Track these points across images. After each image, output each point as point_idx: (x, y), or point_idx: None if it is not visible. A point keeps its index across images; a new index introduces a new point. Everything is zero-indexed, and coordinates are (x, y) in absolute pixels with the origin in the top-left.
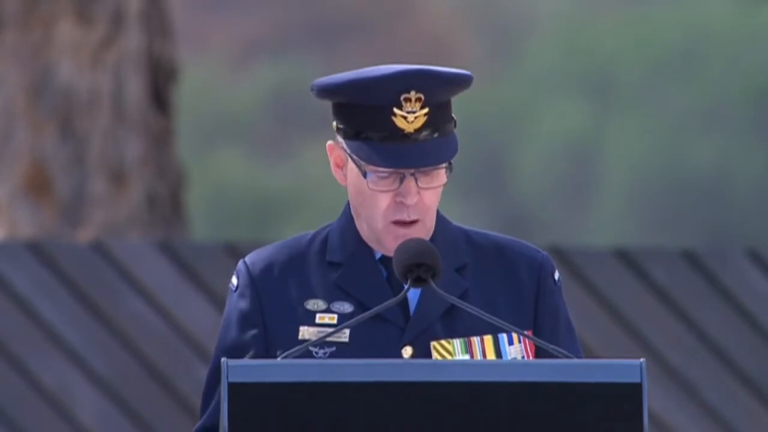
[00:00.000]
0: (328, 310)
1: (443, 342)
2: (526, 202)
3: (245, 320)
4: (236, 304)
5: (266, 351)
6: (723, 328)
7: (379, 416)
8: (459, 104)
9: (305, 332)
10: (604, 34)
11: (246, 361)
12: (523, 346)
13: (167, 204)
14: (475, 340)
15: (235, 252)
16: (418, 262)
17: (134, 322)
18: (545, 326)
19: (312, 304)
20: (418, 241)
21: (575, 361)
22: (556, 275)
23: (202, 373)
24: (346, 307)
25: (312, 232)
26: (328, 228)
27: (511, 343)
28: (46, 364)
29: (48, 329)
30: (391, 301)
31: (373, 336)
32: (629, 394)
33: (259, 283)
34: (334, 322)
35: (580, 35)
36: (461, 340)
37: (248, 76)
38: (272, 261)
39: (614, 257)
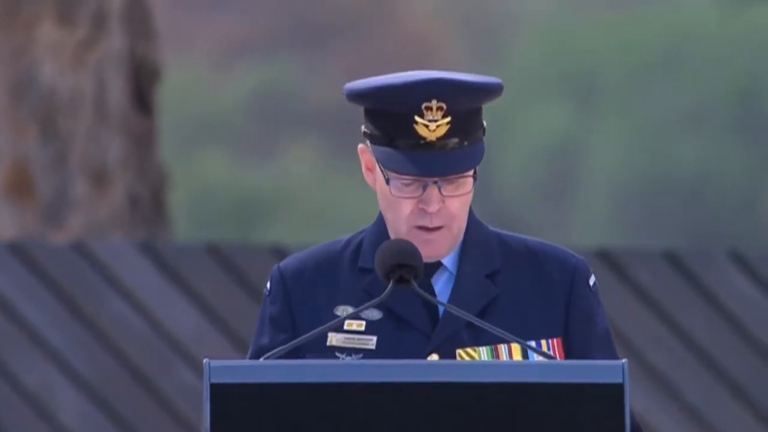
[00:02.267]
0: (356, 317)
1: (469, 350)
2: (509, 203)
3: (276, 325)
4: (268, 308)
5: (295, 355)
6: (706, 330)
7: (362, 417)
8: None
9: (333, 338)
10: (588, 35)
11: (229, 362)
12: (552, 354)
13: (149, 205)
14: (503, 347)
15: (218, 253)
16: (400, 263)
17: (116, 323)
18: (576, 333)
19: (341, 310)
20: (401, 242)
21: (557, 361)
22: (592, 280)
23: (185, 374)
24: (375, 314)
25: (347, 236)
26: (362, 234)
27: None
28: (27, 365)
29: (30, 330)
30: (376, 301)
31: (400, 342)
32: (611, 395)
33: (290, 287)
34: (362, 328)
35: (564, 36)
36: (488, 347)
37: (231, 76)
38: (305, 266)
39: (597, 258)
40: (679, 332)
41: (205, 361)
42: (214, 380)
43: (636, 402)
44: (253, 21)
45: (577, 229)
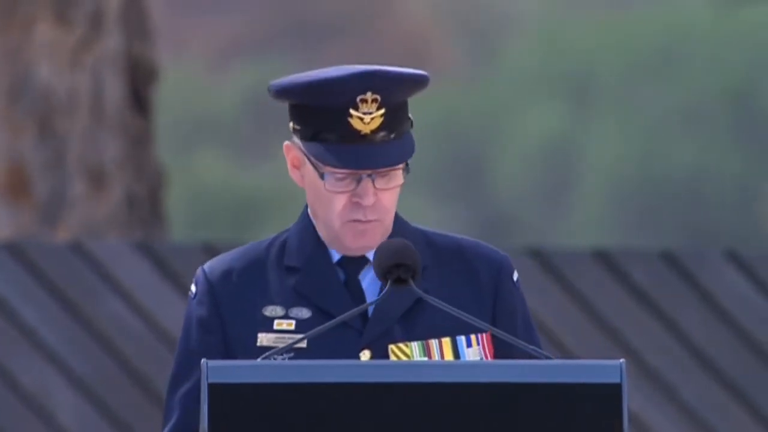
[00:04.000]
0: (285, 316)
1: (401, 345)
2: (505, 203)
3: (204, 327)
4: (195, 311)
5: (225, 357)
6: (702, 329)
7: (360, 417)
8: (438, 105)
9: (263, 339)
10: (583, 34)
11: (226, 362)
12: (481, 348)
13: (146, 205)
14: (433, 342)
15: (214, 252)
16: (398, 263)
17: (113, 323)
18: (501, 327)
19: (270, 311)
20: (399, 242)
21: (555, 362)
22: (515, 276)
23: None
24: (304, 313)
25: (271, 237)
26: (287, 233)
27: (469, 345)
28: (25, 365)
29: (27, 330)
30: (362, 307)
31: (332, 340)
32: (609, 395)
33: (217, 289)
34: (292, 328)
35: (558, 36)
36: (419, 343)
37: (227, 77)
38: (231, 267)
39: (593, 258)
40: (676, 332)
41: (202, 361)
42: (212, 380)
43: (632, 401)
44: (249, 21)
45: (573, 230)
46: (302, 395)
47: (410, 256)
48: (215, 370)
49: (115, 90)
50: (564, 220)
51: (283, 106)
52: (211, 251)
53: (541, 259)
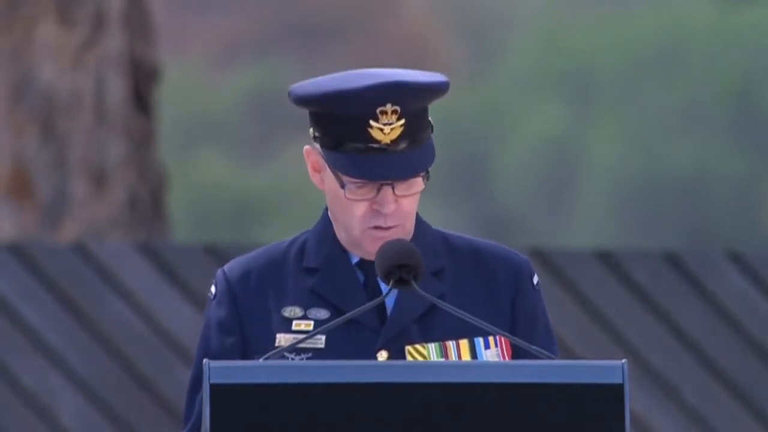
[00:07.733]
0: (304, 317)
1: (418, 346)
2: (506, 203)
3: (223, 328)
4: (215, 312)
5: (244, 358)
6: (704, 329)
7: (361, 418)
8: (438, 105)
9: (281, 339)
10: (584, 34)
11: (228, 362)
12: (499, 350)
13: (148, 205)
14: (451, 344)
15: (216, 253)
16: (400, 264)
17: (115, 324)
18: (521, 330)
19: (289, 312)
20: (401, 242)
21: (557, 362)
22: (535, 279)
23: (184, 374)
24: (322, 314)
25: (290, 238)
26: (306, 234)
27: (487, 346)
28: (27, 366)
29: (29, 331)
30: (369, 305)
31: (349, 340)
32: (611, 396)
33: (236, 290)
34: (311, 328)
35: (560, 35)
36: (436, 344)
37: (229, 77)
38: (250, 268)
39: (595, 259)
40: (678, 332)
41: (204, 361)
42: (214, 381)
43: (634, 402)
44: (250, 21)
45: (575, 230)
46: (304, 396)
47: (412, 257)
48: (217, 370)
49: (117, 90)
50: (566, 220)
51: (286, 107)
52: (213, 252)
53: (543, 259)
